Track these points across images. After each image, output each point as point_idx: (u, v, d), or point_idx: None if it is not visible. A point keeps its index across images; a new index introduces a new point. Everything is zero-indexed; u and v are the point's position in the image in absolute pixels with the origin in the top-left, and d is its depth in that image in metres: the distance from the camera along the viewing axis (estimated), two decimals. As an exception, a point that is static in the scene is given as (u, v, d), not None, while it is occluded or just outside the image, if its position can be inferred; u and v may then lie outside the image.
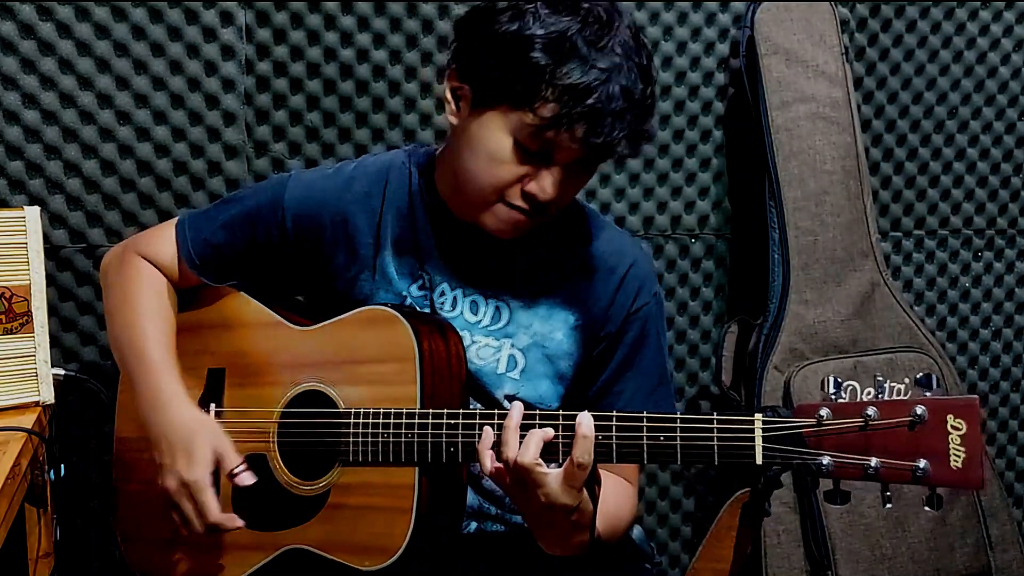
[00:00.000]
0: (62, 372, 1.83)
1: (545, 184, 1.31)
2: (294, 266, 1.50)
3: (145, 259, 1.54)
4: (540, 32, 1.25)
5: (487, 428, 1.25)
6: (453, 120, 1.37)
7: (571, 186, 1.35)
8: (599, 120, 1.25)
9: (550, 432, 1.22)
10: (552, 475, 1.21)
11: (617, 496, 1.41)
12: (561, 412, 1.25)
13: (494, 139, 1.31)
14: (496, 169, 1.31)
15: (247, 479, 1.37)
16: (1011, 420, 2.47)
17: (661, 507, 2.29)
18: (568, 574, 1.45)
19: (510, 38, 1.27)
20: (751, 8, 2.14)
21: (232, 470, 1.36)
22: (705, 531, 2.26)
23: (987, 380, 2.45)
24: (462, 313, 1.45)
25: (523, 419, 1.25)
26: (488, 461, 1.23)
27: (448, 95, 1.37)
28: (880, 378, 1.18)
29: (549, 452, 1.23)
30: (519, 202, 1.33)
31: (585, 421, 1.21)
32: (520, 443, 1.22)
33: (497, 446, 1.23)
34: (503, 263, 1.46)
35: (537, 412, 1.25)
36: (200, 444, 1.36)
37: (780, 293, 2.13)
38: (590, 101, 1.24)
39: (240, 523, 1.37)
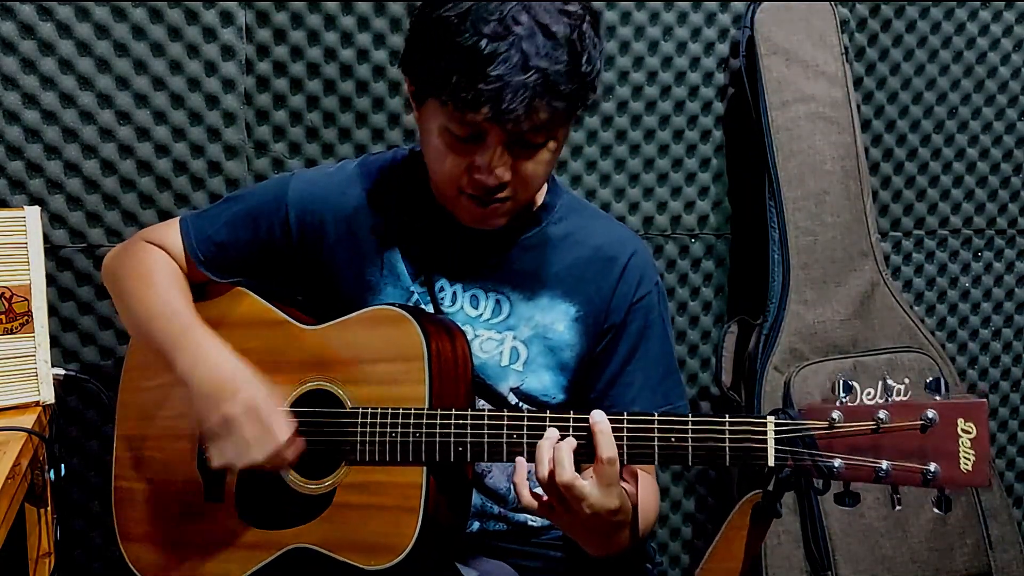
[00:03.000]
0: (62, 372, 1.83)
1: (489, 169, 1.29)
2: (298, 262, 1.50)
3: (153, 245, 1.55)
4: (445, 13, 1.25)
5: (540, 453, 1.23)
6: (416, 121, 1.39)
7: (523, 165, 1.31)
8: (503, 92, 1.21)
9: (574, 441, 1.22)
10: (588, 484, 1.21)
11: (645, 486, 1.41)
12: (572, 415, 1.25)
13: (431, 132, 1.32)
14: (443, 163, 1.32)
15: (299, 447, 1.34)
16: (1011, 420, 2.48)
17: (661, 508, 2.29)
18: (568, 573, 1.45)
19: (423, 26, 1.28)
20: (751, 8, 2.14)
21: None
22: (706, 532, 2.26)
23: (987, 380, 2.45)
24: (463, 308, 1.46)
25: (533, 422, 1.26)
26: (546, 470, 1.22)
27: (409, 96, 1.38)
28: (891, 383, 1.18)
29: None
30: (475, 190, 1.32)
31: (599, 418, 1.22)
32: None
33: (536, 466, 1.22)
34: (502, 257, 1.46)
35: (548, 415, 1.26)
36: (258, 380, 1.35)
37: (780, 293, 2.13)
38: (492, 72, 1.20)
39: (297, 454, 1.34)
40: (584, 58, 1.26)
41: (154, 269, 1.51)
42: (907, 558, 2.09)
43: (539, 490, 1.24)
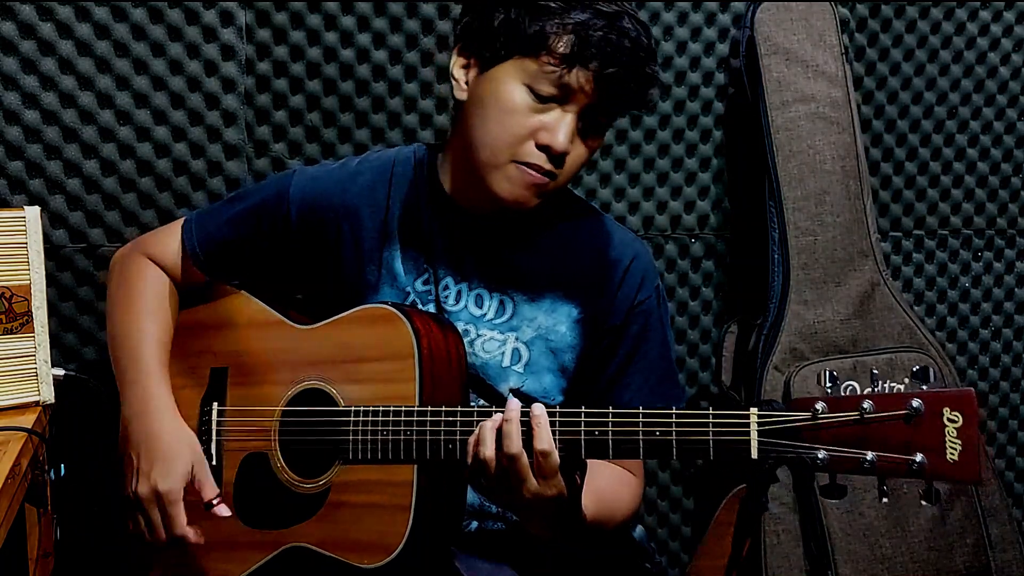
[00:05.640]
0: (62, 372, 1.82)
1: (559, 133, 1.32)
2: (299, 260, 1.51)
3: (151, 259, 1.55)
4: None
5: (484, 423, 1.25)
6: (462, 96, 1.40)
7: (580, 147, 1.36)
8: (613, 51, 1.30)
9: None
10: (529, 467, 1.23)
11: (613, 482, 1.42)
12: (557, 410, 1.25)
13: (506, 90, 1.33)
14: (509, 121, 1.33)
15: (223, 511, 1.39)
16: (1011, 420, 2.47)
17: (661, 507, 2.29)
18: (569, 573, 1.45)
19: None
20: (751, 8, 2.14)
21: (210, 500, 1.39)
22: (705, 531, 2.26)
23: (987, 380, 2.45)
24: (466, 307, 1.46)
25: (523, 418, 1.25)
26: (490, 449, 1.23)
27: (456, 73, 1.40)
28: (876, 372, 1.18)
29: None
30: (532, 158, 1.33)
31: (538, 411, 1.23)
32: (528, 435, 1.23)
33: (500, 440, 1.24)
34: (507, 257, 1.46)
35: (492, 409, 1.27)
36: (182, 458, 1.39)
37: (780, 293, 2.13)
38: (600, 33, 1.29)
39: (201, 539, 1.38)
40: (651, 39, 1.37)
41: (142, 292, 1.53)
42: (907, 557, 2.09)
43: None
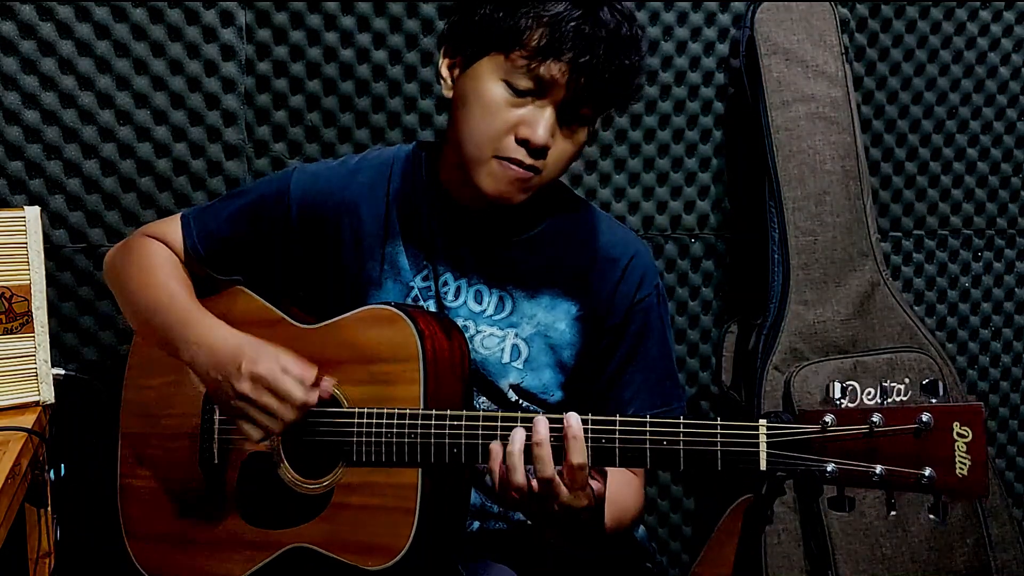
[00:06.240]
0: (62, 372, 1.82)
1: (537, 127, 1.32)
2: (300, 257, 1.51)
3: (154, 239, 1.56)
4: None
5: (512, 450, 1.23)
6: (448, 94, 1.40)
7: (560, 141, 1.35)
8: (586, 42, 1.29)
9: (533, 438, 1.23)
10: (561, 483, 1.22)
11: (621, 486, 1.42)
12: (547, 415, 1.25)
13: (485, 86, 1.34)
14: (489, 117, 1.33)
15: (327, 385, 1.35)
16: (1011, 420, 2.47)
17: (662, 506, 2.29)
18: (569, 573, 1.45)
19: None
20: (751, 8, 2.14)
21: (316, 379, 1.33)
22: (706, 531, 2.26)
23: (987, 380, 2.45)
24: (466, 303, 1.46)
25: (505, 421, 1.26)
26: (521, 475, 1.23)
27: (443, 72, 1.41)
28: (886, 385, 1.17)
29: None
30: (513, 153, 1.33)
31: (574, 423, 1.22)
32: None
33: (533, 463, 1.23)
34: (506, 254, 1.47)
35: (519, 416, 1.26)
36: (263, 345, 1.34)
37: (780, 293, 2.13)
38: (573, 24, 1.29)
39: (327, 393, 1.35)
40: (640, 40, 1.37)
41: (155, 262, 1.52)
42: (907, 558, 2.09)
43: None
